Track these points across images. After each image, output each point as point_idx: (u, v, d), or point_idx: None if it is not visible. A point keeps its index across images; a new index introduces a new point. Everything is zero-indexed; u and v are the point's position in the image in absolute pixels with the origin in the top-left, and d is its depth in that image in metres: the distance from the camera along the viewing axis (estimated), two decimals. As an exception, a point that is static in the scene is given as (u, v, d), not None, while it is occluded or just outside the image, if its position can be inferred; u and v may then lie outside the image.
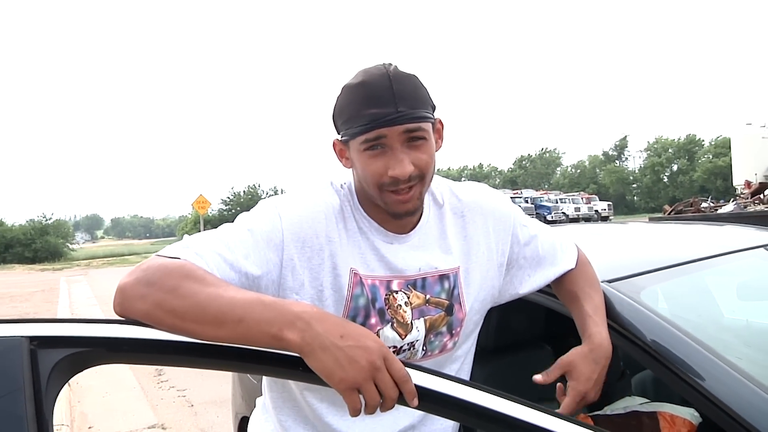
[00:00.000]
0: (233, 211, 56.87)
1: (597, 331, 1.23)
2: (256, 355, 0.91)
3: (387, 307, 1.17)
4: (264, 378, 1.37)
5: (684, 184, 59.13)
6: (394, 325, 1.18)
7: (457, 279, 1.24)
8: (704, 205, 14.80)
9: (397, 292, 1.18)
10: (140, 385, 6.16)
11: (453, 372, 1.30)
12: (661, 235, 2.33)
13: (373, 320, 1.16)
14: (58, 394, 0.91)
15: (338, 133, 1.17)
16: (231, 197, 58.87)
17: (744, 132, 19.75)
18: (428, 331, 1.21)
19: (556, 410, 1.14)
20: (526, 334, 2.26)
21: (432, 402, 0.94)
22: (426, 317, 1.21)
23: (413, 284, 1.20)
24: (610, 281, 1.45)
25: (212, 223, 47.45)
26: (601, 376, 1.20)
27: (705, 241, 2.12)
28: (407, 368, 0.92)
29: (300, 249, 1.11)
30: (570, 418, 0.98)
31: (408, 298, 1.19)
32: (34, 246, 47.76)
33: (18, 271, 30.63)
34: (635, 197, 68.88)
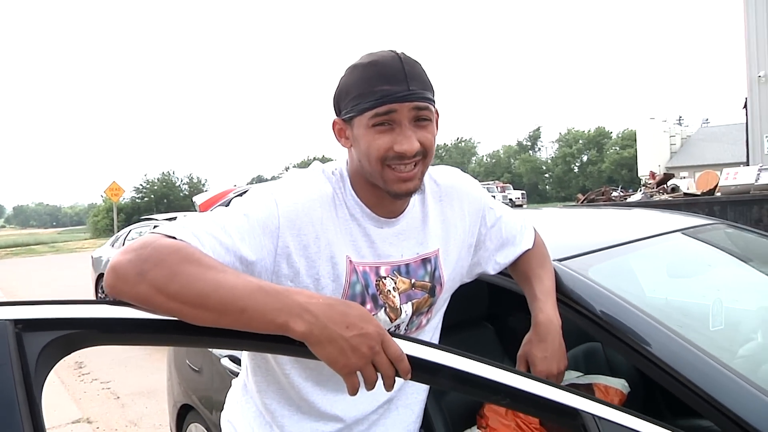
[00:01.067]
0: (146, 198, 54.96)
1: (540, 311, 1.31)
2: (252, 334, 0.92)
3: (379, 293, 1.20)
4: (246, 362, 1.37)
5: (593, 174, 61.70)
6: (387, 309, 1.21)
7: (437, 261, 1.28)
8: (615, 194, 15.55)
9: (385, 278, 1.21)
10: (60, 379, 5.90)
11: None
12: (595, 219, 2.48)
13: (368, 305, 1.18)
14: (46, 378, 0.89)
15: (337, 114, 1.19)
16: (144, 184, 56.76)
17: (648, 126, 20.93)
18: (413, 313, 1.26)
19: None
20: (468, 314, 2.34)
21: (418, 370, 0.98)
22: (413, 301, 1.25)
23: (398, 270, 1.23)
24: (561, 260, 1.53)
25: (125, 211, 45.69)
26: (555, 349, 1.27)
27: (634, 224, 2.29)
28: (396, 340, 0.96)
29: (296, 236, 1.12)
30: (527, 374, 1.05)
31: (395, 283, 1.22)
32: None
33: None
34: (547, 186, 71.40)
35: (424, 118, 1.14)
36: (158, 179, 57.76)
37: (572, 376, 1.94)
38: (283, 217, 1.10)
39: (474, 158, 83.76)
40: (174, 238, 0.99)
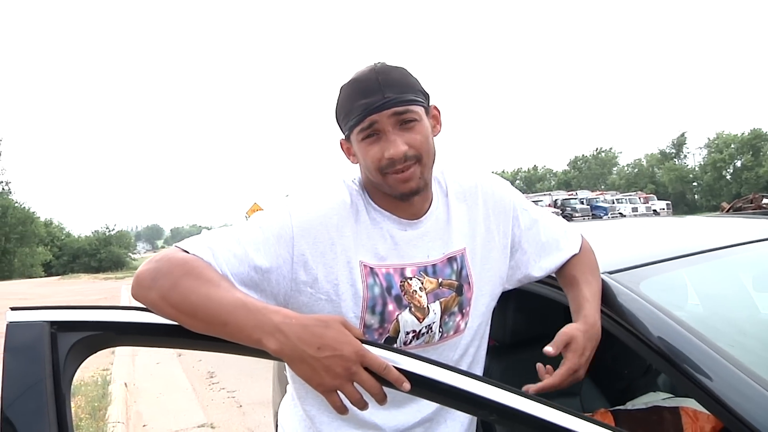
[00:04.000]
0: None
1: (592, 313, 1.28)
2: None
3: (403, 293, 1.23)
4: (288, 369, 1.45)
5: (750, 181, 56.68)
6: (412, 309, 1.24)
7: (464, 259, 1.30)
8: (765, 201, 14.22)
9: (411, 278, 1.24)
10: (192, 387, 6.38)
11: (467, 358, 1.35)
12: (678, 227, 2.32)
13: (390, 306, 1.22)
14: (75, 372, 1.02)
15: (343, 134, 1.26)
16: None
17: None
18: (443, 312, 1.27)
19: (542, 390, 1.18)
20: (544, 330, 2.27)
21: (437, 392, 0.99)
22: (441, 299, 1.26)
23: (425, 270, 1.26)
24: (610, 272, 1.47)
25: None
26: (591, 355, 1.23)
27: (722, 232, 2.11)
28: (415, 359, 0.98)
29: (312, 244, 1.17)
30: (581, 414, 0.98)
31: (422, 283, 1.25)
32: (99, 256, 49.70)
33: (83, 280, 31.90)
34: (696, 195, 66.59)
35: (408, 120, 1.18)
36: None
37: (659, 398, 1.83)
38: (296, 226, 1.17)
39: (615, 169, 79.82)
40: (187, 252, 1.10)
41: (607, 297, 1.40)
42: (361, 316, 1.21)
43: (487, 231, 1.35)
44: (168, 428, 5.03)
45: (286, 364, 1.01)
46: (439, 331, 1.29)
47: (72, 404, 4.69)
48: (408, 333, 1.25)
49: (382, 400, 0.97)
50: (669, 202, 45.50)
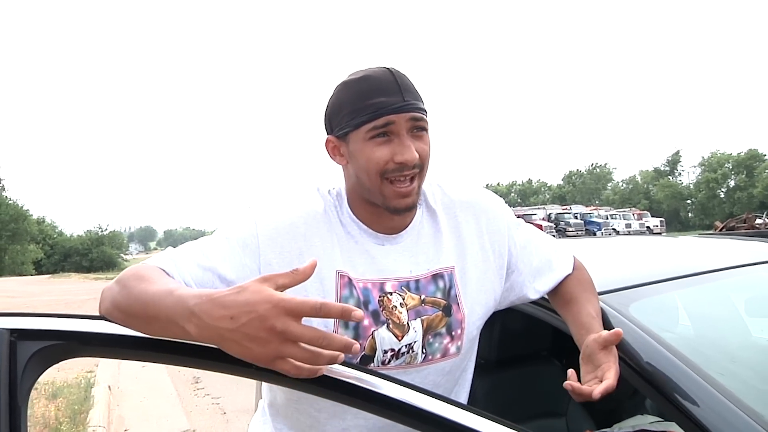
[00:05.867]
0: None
1: (600, 329, 1.21)
2: (210, 352, 0.94)
3: (381, 309, 1.17)
4: (263, 384, 1.40)
5: (742, 200, 57.01)
6: (390, 326, 1.18)
7: (452, 278, 1.24)
8: (759, 221, 14.29)
9: (391, 293, 1.19)
10: (177, 392, 6.31)
11: (452, 380, 1.29)
12: (672, 248, 2.29)
13: (366, 322, 1.16)
14: (33, 384, 0.96)
15: (330, 132, 1.20)
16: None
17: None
18: (426, 331, 1.20)
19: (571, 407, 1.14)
20: (532, 347, 2.23)
21: (399, 412, 0.94)
22: (423, 317, 1.20)
23: (407, 286, 1.20)
24: (600, 293, 1.42)
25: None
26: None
27: (716, 254, 2.07)
28: (388, 380, 0.92)
29: (278, 254, 1.13)
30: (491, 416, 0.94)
31: (403, 299, 1.19)
32: (91, 256, 49.52)
33: (73, 280, 31.73)
34: (689, 213, 66.88)
35: (420, 128, 1.15)
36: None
37: (646, 421, 1.79)
38: (262, 235, 1.13)
39: (609, 184, 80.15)
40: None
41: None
42: (333, 330, 1.14)
43: (482, 249, 1.29)
44: (149, 434, 4.97)
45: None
46: (422, 352, 1.22)
47: (52, 407, 4.62)
48: (386, 351, 1.19)
49: (342, 345, 0.79)
50: (662, 219, 45.71)
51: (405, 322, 1.19)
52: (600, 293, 1.42)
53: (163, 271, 1.04)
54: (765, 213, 18.39)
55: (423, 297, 1.21)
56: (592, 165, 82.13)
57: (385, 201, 1.15)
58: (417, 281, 1.21)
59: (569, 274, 1.38)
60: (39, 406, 5.24)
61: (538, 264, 1.35)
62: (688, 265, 1.76)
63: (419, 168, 1.15)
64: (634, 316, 1.36)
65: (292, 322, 0.77)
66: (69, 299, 17.02)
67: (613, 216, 42.09)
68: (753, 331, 1.78)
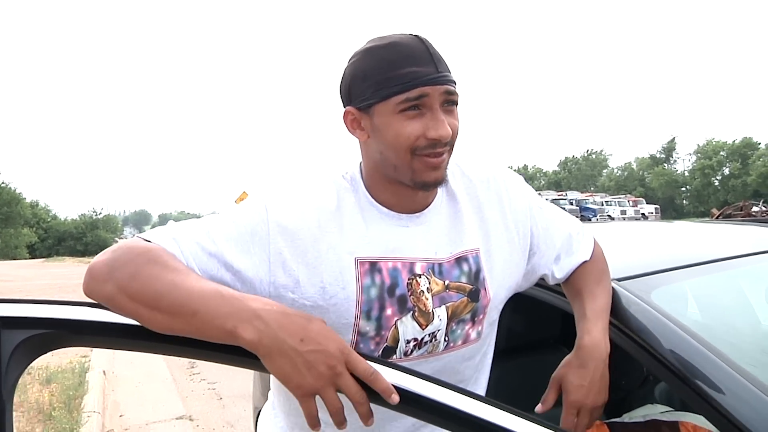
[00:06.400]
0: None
1: (586, 332, 1.15)
2: (213, 345, 0.87)
3: (410, 293, 1.09)
4: (273, 380, 1.33)
5: (737, 188, 57.11)
6: (416, 314, 1.09)
7: (479, 261, 1.16)
8: (755, 209, 14.31)
9: (420, 276, 1.10)
10: (173, 377, 6.24)
11: (473, 366, 1.23)
12: (689, 233, 2.21)
13: (389, 311, 1.08)
14: (20, 375, 0.89)
15: (348, 103, 1.09)
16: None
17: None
18: (450, 319, 1.13)
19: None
20: (540, 335, 2.17)
21: (421, 408, 0.88)
22: (447, 304, 1.12)
23: (433, 269, 1.12)
24: (619, 280, 1.37)
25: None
26: (595, 380, 1.11)
27: (737, 240, 2.00)
28: (400, 370, 0.87)
29: (290, 242, 1.03)
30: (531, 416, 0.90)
31: (429, 283, 1.11)
32: (85, 240, 49.44)
33: (68, 263, 31.56)
34: (684, 201, 66.97)
35: (452, 102, 1.05)
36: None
37: (656, 411, 1.74)
38: (272, 221, 1.04)
39: (605, 171, 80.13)
40: (150, 242, 0.97)
41: (615, 306, 1.29)
42: (355, 323, 1.07)
43: (506, 230, 1.21)
44: (145, 419, 4.89)
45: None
46: (444, 340, 1.15)
47: (46, 393, 4.54)
48: (408, 341, 1.11)
49: (366, 414, 0.84)
50: (657, 207, 45.86)
51: (430, 310, 1.11)
52: (620, 279, 1.36)
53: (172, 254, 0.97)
54: (761, 201, 18.38)
55: (447, 282, 1.13)
56: (587, 151, 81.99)
57: (414, 176, 1.06)
58: (440, 265, 1.13)
59: (585, 262, 1.30)
60: (33, 391, 5.16)
61: (560, 246, 1.28)
62: (709, 250, 1.70)
63: (449, 145, 1.06)
64: (656, 303, 1.30)
65: (348, 373, 0.84)
66: (63, 283, 16.91)
67: (609, 203, 42.23)
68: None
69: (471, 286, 1.15)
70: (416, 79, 1.00)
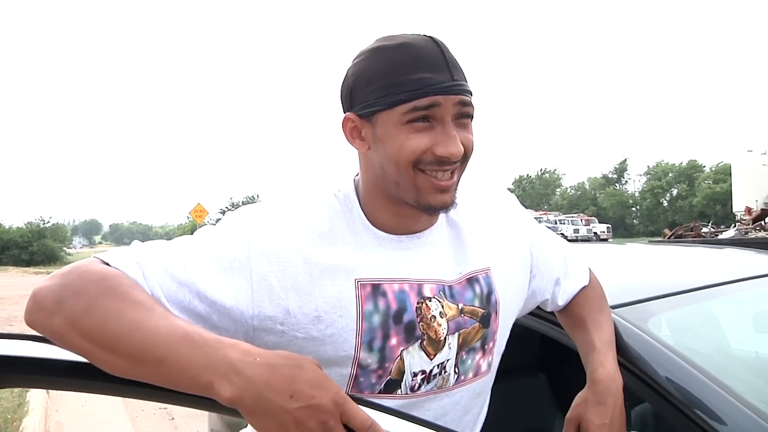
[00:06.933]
0: (231, 221, 56.92)
1: (600, 365, 1.07)
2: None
3: (419, 319, 0.97)
4: None
5: (684, 209, 58.94)
6: (424, 343, 0.98)
7: (490, 282, 1.06)
8: (705, 230, 14.75)
9: (430, 299, 0.99)
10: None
11: (479, 404, 1.12)
12: (668, 258, 2.16)
13: (394, 340, 0.95)
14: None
15: (349, 108, 0.97)
16: (229, 207, 58.81)
17: (745, 159, 19.91)
18: (460, 347, 1.02)
19: None
20: (516, 360, 2.08)
21: None
22: (461, 331, 1.01)
23: (443, 291, 1.00)
24: (613, 307, 1.29)
25: (210, 232, 47.44)
26: (616, 416, 1.02)
27: (717, 266, 1.96)
28: (401, 417, 0.78)
29: (277, 265, 0.91)
30: None
31: (442, 307, 1.00)
32: (31, 249, 47.63)
33: (11, 273, 30.41)
34: (635, 220, 68.71)
35: (466, 115, 0.94)
36: (242, 202, 59.67)
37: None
38: (254, 243, 0.91)
39: (558, 190, 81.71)
40: (108, 265, 0.83)
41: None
42: (355, 355, 0.94)
43: (512, 249, 1.11)
44: (91, 442, 4.66)
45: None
46: (455, 372, 1.03)
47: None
48: (416, 374, 0.98)
49: None
50: (609, 226, 46.97)
51: (442, 337, 0.99)
52: (613, 306, 1.29)
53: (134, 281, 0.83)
54: (710, 222, 18.99)
55: (461, 306, 1.02)
56: (541, 170, 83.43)
57: (418, 196, 0.95)
58: (451, 287, 1.02)
59: (584, 288, 1.23)
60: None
61: (559, 269, 1.20)
62: (706, 275, 1.63)
63: (461, 163, 0.95)
64: (654, 332, 1.23)
65: (342, 426, 0.71)
66: (4, 294, 16.18)
67: (562, 221, 43.02)
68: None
69: (483, 310, 1.04)
70: (427, 87, 0.89)
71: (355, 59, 0.97)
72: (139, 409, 5.52)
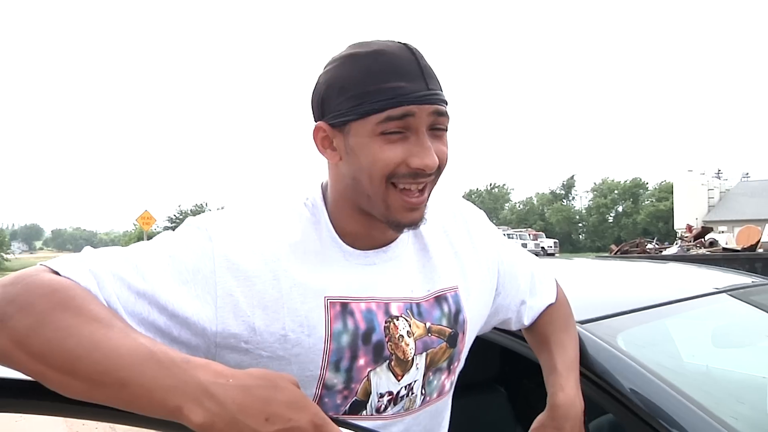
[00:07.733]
0: (179, 229, 56.02)
1: (560, 389, 1.06)
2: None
3: (387, 339, 0.94)
4: None
5: (628, 226, 60.79)
6: (392, 363, 0.95)
7: (458, 300, 1.03)
8: (649, 246, 15.21)
9: (397, 317, 0.95)
10: (60, 410, 5.72)
11: (440, 423, 1.09)
12: (621, 274, 2.19)
13: (361, 361, 0.92)
14: None
15: (321, 117, 0.93)
16: (177, 215, 57.74)
17: (685, 178, 20.75)
18: (428, 367, 1.00)
19: None
20: (477, 375, 2.06)
21: None
22: (429, 350, 0.99)
23: (411, 309, 0.98)
24: (583, 322, 1.28)
25: (156, 240, 46.51)
26: None
27: (673, 281, 2.00)
28: None
29: (243, 280, 0.86)
30: None
31: (409, 326, 0.97)
32: (-35, 254, 45.80)
33: (-57, 280, 28.98)
34: (581, 236, 70.45)
35: (440, 127, 0.91)
36: (191, 210, 58.65)
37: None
38: (220, 256, 0.85)
39: (507, 205, 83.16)
40: (58, 274, 0.76)
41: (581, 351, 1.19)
42: (320, 375, 0.90)
43: (479, 266, 1.08)
44: (26, 459, 4.41)
45: None
46: (422, 393, 1.00)
47: None
48: (382, 395, 0.95)
49: None
50: (556, 241, 48.05)
51: (410, 357, 0.96)
52: (582, 322, 1.28)
53: (88, 291, 0.75)
54: (654, 238, 19.62)
55: (428, 325, 0.99)
56: (491, 185, 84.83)
57: (388, 213, 0.91)
58: (419, 305, 0.99)
59: (551, 305, 1.20)
60: None
61: (525, 287, 1.17)
62: (673, 290, 1.65)
63: (434, 176, 0.92)
64: (624, 349, 1.23)
65: None
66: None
67: (510, 236, 43.70)
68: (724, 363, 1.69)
69: (451, 330, 1.01)
70: (401, 96, 0.86)
71: (327, 66, 0.93)
72: (80, 422, 5.29)
